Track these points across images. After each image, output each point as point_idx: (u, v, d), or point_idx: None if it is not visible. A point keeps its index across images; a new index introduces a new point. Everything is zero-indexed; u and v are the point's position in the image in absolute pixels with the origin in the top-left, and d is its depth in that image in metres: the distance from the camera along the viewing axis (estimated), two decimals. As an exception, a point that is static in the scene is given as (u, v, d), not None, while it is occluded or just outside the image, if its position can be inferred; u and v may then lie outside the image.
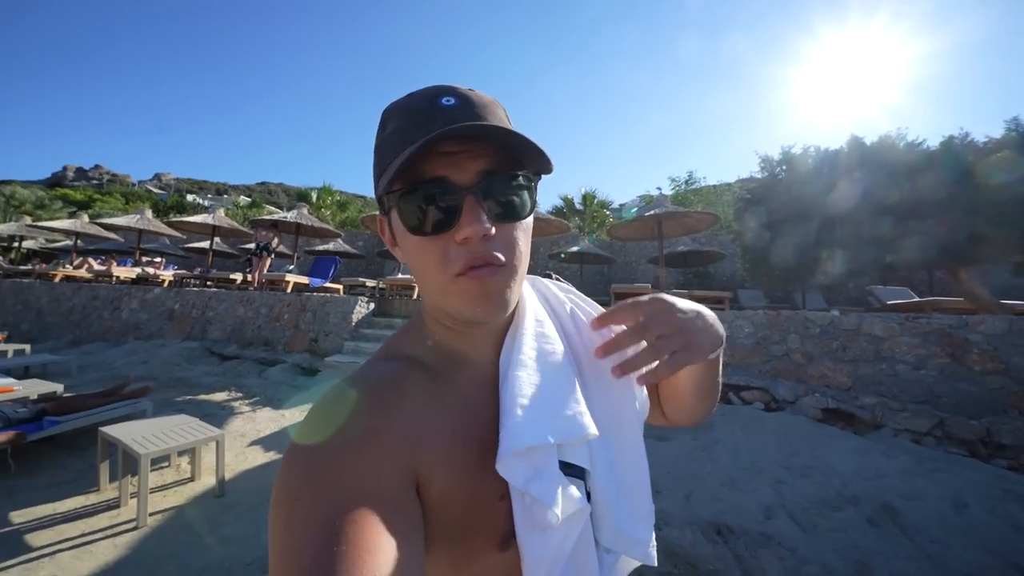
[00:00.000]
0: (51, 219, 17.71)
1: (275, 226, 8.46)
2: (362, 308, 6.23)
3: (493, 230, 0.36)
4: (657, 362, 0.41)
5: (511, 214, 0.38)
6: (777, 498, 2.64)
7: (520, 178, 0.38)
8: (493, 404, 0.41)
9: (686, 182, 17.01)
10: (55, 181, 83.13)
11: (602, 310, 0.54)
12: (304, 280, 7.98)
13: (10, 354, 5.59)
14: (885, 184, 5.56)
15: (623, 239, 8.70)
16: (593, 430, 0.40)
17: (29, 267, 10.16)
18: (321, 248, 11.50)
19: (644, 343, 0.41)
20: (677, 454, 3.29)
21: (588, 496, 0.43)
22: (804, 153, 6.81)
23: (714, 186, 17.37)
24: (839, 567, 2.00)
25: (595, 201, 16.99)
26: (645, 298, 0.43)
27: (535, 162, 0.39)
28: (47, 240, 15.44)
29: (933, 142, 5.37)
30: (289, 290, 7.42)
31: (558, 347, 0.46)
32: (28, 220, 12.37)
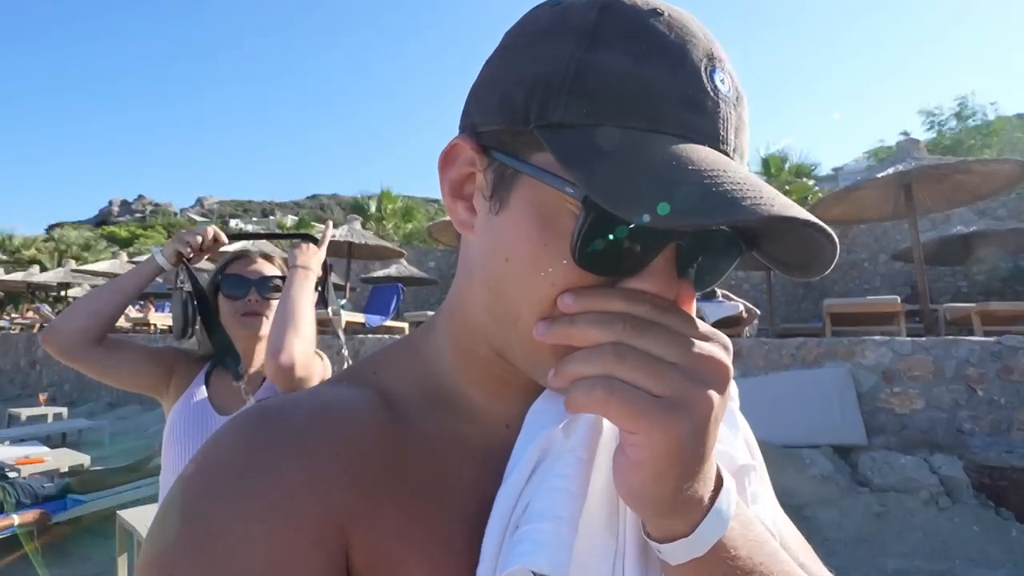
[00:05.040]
0: (96, 260, 22.79)
1: (322, 248, 9.52)
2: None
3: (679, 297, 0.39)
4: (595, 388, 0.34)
5: (697, 284, 0.41)
6: None
7: (737, 249, 0.41)
8: (487, 483, 0.41)
9: (957, 115, 14.69)
10: (102, 219, 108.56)
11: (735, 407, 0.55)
12: (359, 318, 8.73)
13: (49, 418, 7.09)
14: None
15: (843, 222, 7.60)
16: None
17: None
18: (381, 274, 12.59)
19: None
20: None
21: None
22: None
23: (1018, 116, 14.82)
24: None
25: (787, 166, 15.75)
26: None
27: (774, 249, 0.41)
28: (91, 286, 19.86)
29: None
30: (341, 332, 8.16)
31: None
32: (74, 264, 16.11)
